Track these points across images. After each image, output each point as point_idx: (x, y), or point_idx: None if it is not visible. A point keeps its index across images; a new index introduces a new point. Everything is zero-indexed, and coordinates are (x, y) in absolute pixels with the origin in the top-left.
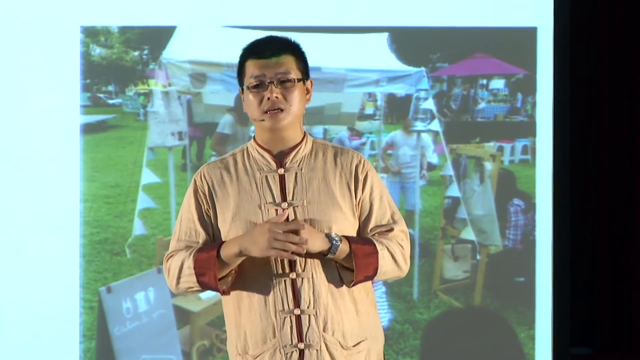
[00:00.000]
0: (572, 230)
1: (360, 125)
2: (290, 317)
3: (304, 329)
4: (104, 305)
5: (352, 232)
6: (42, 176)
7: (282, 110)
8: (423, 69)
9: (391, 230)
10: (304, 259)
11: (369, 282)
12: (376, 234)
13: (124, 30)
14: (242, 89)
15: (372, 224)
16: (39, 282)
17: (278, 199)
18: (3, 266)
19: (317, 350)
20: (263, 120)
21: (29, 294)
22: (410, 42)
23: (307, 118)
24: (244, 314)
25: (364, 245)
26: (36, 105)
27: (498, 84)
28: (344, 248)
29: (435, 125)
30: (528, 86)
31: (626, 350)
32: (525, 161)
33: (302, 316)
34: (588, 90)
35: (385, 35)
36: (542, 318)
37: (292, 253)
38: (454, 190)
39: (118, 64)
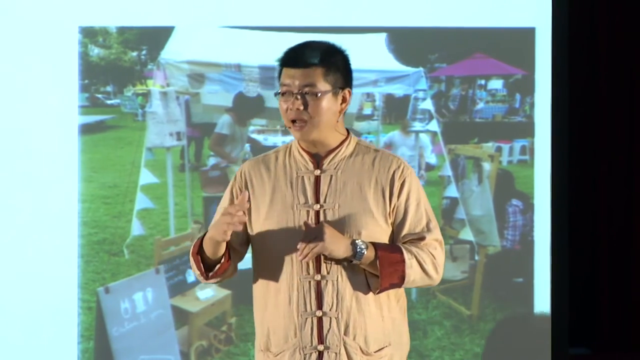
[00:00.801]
0: (571, 231)
1: (359, 125)
2: (311, 318)
3: (325, 331)
4: (102, 305)
5: (384, 238)
6: (41, 176)
7: (305, 122)
8: (421, 69)
9: (423, 238)
10: (330, 262)
11: (401, 289)
12: (408, 242)
13: (122, 30)
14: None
15: (405, 231)
16: (37, 282)
17: (311, 200)
18: (1, 266)
19: (336, 354)
20: (290, 128)
21: (27, 294)
22: (408, 43)
23: None
24: (270, 311)
25: (391, 253)
26: (34, 106)
27: (496, 84)
28: (369, 255)
29: (434, 126)
30: (526, 86)
31: (625, 350)
32: (524, 161)
33: (323, 318)
34: (586, 90)
35: (384, 35)
36: (540, 318)
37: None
38: (452, 191)
39: (116, 64)
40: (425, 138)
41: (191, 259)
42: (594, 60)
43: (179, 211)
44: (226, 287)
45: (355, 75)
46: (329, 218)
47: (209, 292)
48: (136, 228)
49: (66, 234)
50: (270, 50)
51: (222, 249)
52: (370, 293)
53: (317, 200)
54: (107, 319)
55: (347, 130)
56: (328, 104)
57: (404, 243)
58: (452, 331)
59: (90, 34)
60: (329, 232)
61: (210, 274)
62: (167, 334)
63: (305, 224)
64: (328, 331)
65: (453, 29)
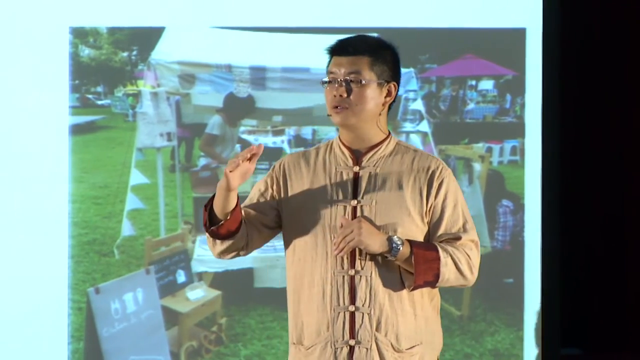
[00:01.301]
0: (561, 231)
1: None
2: (344, 312)
3: (357, 327)
4: (92, 306)
5: (419, 237)
6: (31, 177)
7: (347, 108)
8: (412, 69)
9: (459, 238)
10: (364, 257)
11: (435, 288)
12: (444, 241)
13: (112, 31)
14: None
15: (441, 231)
16: (28, 282)
17: (349, 196)
18: None
19: (367, 349)
20: (331, 115)
21: (18, 294)
22: (399, 43)
23: (296, 119)
24: (303, 305)
25: (426, 250)
26: (25, 106)
27: (487, 84)
28: (405, 251)
29: (424, 126)
30: (517, 87)
31: (616, 350)
32: (514, 162)
33: (356, 313)
34: (577, 91)
35: (374, 36)
36: (531, 319)
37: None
38: None
39: (107, 65)
40: (415, 139)
41: (203, 219)
42: (585, 61)
43: (170, 212)
44: (216, 287)
45: None
46: (365, 214)
47: (199, 293)
48: (126, 228)
49: (56, 235)
50: (261, 51)
51: (231, 203)
52: (404, 291)
53: (355, 197)
54: (97, 320)
55: (389, 130)
56: (372, 93)
57: (439, 242)
58: (443, 331)
59: (80, 35)
60: (365, 226)
61: (213, 228)
62: (157, 335)
63: (343, 219)
64: (360, 326)
65: (444, 30)
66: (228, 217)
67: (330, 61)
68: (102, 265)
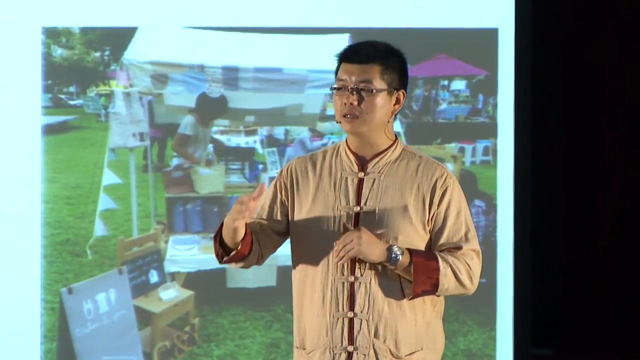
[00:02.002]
0: (533, 231)
1: (322, 126)
2: (343, 319)
3: (355, 333)
4: (65, 306)
5: (420, 245)
6: (3, 177)
7: (357, 117)
8: None
9: (460, 247)
10: (364, 264)
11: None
12: (445, 250)
13: (85, 31)
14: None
15: (443, 239)
16: (0, 283)
17: (352, 202)
18: None
19: (364, 355)
20: (340, 122)
21: None
22: None
23: (269, 119)
24: (306, 309)
25: (426, 260)
26: None
27: (459, 85)
28: (404, 261)
29: (397, 126)
30: (489, 87)
31: (588, 350)
32: (487, 162)
33: (354, 319)
34: (549, 91)
35: (347, 36)
36: (503, 319)
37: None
38: None
39: (79, 65)
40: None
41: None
42: (557, 61)
43: (142, 212)
44: (189, 287)
45: (318, 75)
46: (367, 221)
47: (171, 293)
48: (99, 229)
49: (29, 235)
50: (233, 51)
51: (240, 235)
52: (404, 298)
53: (358, 203)
54: (70, 320)
55: (396, 135)
56: (382, 101)
57: (440, 251)
58: None
59: (53, 35)
60: (365, 236)
61: (225, 258)
62: (130, 335)
63: (344, 226)
64: (358, 333)
65: (416, 30)
66: (240, 247)
67: (339, 67)
68: (74, 266)
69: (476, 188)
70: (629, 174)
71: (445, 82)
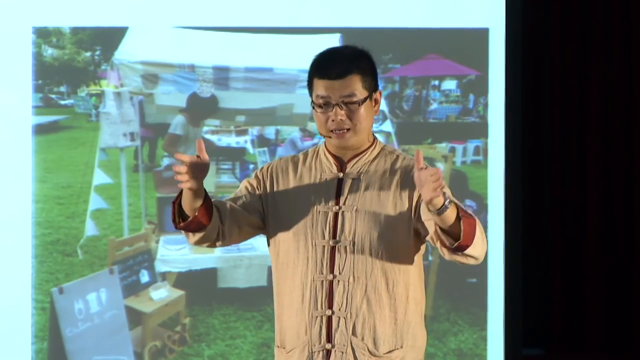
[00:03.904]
0: (524, 231)
1: (313, 126)
2: (321, 317)
3: (333, 331)
4: (56, 306)
5: (405, 239)
6: None
7: (348, 130)
8: None
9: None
10: (343, 262)
11: (421, 293)
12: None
13: (75, 31)
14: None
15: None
16: None
17: (331, 202)
18: None
19: (342, 353)
20: (330, 137)
21: None
22: (362, 43)
23: (260, 119)
24: (285, 309)
25: (468, 217)
26: None
27: (450, 84)
28: (451, 214)
29: (387, 126)
30: (480, 87)
31: (578, 350)
32: (477, 162)
33: (333, 317)
34: (540, 91)
35: (338, 36)
36: (494, 319)
37: None
38: None
39: (70, 65)
40: (379, 138)
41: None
42: (547, 61)
43: (133, 212)
44: (180, 287)
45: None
46: (346, 221)
47: (162, 293)
48: (90, 228)
49: (20, 234)
50: (224, 50)
51: (198, 202)
52: (384, 295)
53: (337, 203)
54: (60, 320)
55: (374, 135)
56: (367, 110)
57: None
58: None
59: (43, 35)
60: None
61: (182, 224)
62: (120, 335)
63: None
64: (336, 330)
65: (406, 30)
66: (197, 213)
67: (314, 82)
68: (65, 265)
69: (467, 188)
70: (619, 174)
71: (436, 82)
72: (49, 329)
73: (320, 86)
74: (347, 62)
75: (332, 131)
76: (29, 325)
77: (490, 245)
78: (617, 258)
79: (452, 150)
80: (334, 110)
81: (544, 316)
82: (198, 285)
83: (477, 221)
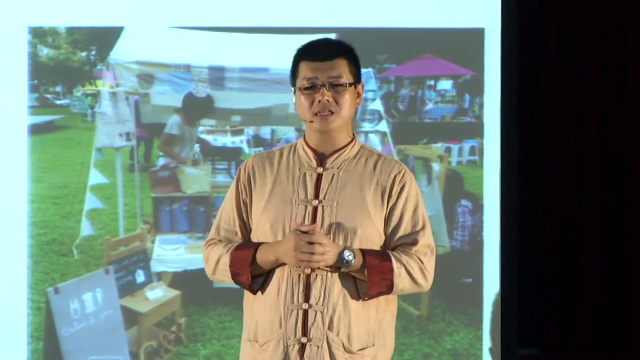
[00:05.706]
0: (519, 231)
1: None
2: (297, 310)
3: (309, 324)
4: (51, 306)
5: (378, 240)
6: None
7: (332, 112)
8: (370, 69)
9: (416, 243)
10: None
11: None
12: (400, 247)
13: (71, 30)
14: (294, 90)
15: (399, 234)
16: None
17: (310, 196)
18: None
19: (318, 347)
20: (312, 121)
21: None
22: (357, 43)
23: (255, 119)
24: (258, 303)
25: (381, 262)
26: None
27: (445, 84)
28: (357, 263)
29: (383, 126)
30: (475, 87)
31: (574, 350)
32: (473, 162)
33: (309, 311)
34: (535, 91)
35: (333, 36)
36: (489, 319)
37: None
38: None
39: (66, 65)
40: (374, 139)
41: (237, 277)
42: (543, 61)
43: (129, 212)
44: (175, 287)
45: None
46: (326, 215)
47: (158, 293)
48: (85, 228)
49: (15, 234)
50: (219, 50)
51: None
52: (359, 291)
53: (317, 197)
54: (56, 320)
55: (353, 133)
56: (351, 97)
57: (396, 247)
58: (401, 331)
59: (39, 34)
60: (332, 250)
61: (257, 287)
62: (116, 335)
63: (298, 226)
64: (312, 324)
65: (402, 30)
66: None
67: (298, 66)
68: (61, 265)
69: (462, 188)
70: (615, 174)
71: (432, 82)
72: (45, 329)
73: (308, 68)
74: (335, 46)
75: (316, 114)
76: (25, 325)
77: (486, 244)
78: (612, 258)
79: (448, 150)
80: (320, 90)
81: (539, 316)
82: (194, 285)
83: (395, 262)
